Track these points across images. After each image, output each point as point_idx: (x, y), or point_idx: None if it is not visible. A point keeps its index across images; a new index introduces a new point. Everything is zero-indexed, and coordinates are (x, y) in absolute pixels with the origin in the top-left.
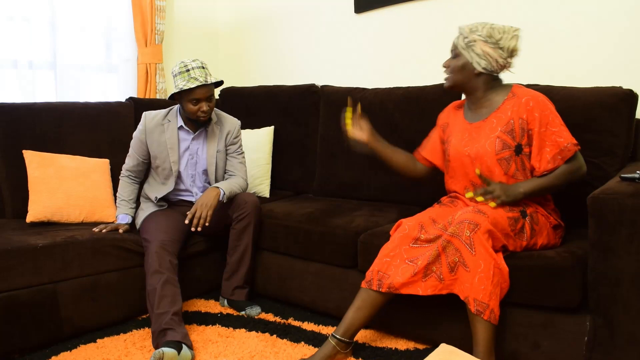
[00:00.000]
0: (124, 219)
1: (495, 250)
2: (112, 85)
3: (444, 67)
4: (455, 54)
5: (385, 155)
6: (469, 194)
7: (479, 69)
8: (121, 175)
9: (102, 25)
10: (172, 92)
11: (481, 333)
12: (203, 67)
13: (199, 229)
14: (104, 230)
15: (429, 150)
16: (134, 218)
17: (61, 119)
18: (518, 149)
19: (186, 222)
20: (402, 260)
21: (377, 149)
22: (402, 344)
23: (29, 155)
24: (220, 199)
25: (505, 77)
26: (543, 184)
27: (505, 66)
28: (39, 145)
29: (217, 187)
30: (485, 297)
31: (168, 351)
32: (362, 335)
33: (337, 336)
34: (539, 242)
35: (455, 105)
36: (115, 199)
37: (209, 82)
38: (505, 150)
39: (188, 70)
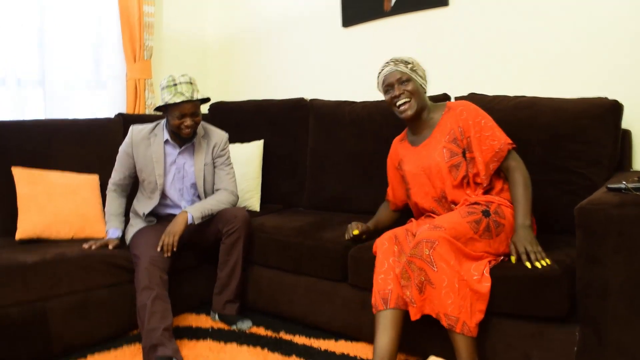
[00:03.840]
0: (114, 233)
1: (475, 260)
2: (101, 102)
3: (397, 97)
4: (406, 79)
5: (377, 229)
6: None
7: (425, 89)
8: (108, 189)
9: (91, 41)
10: (158, 105)
11: (459, 346)
12: (191, 83)
13: (168, 254)
14: (93, 247)
15: (396, 195)
16: (124, 233)
17: (50, 135)
18: (464, 154)
19: (158, 249)
20: (394, 273)
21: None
22: None
23: (18, 172)
24: (190, 222)
25: (491, 89)
26: (526, 202)
27: None
28: (28, 162)
29: (186, 212)
30: (454, 310)
31: None
32: (353, 348)
33: None
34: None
35: (399, 140)
36: (105, 215)
37: (194, 98)
38: (454, 157)
39: (175, 85)
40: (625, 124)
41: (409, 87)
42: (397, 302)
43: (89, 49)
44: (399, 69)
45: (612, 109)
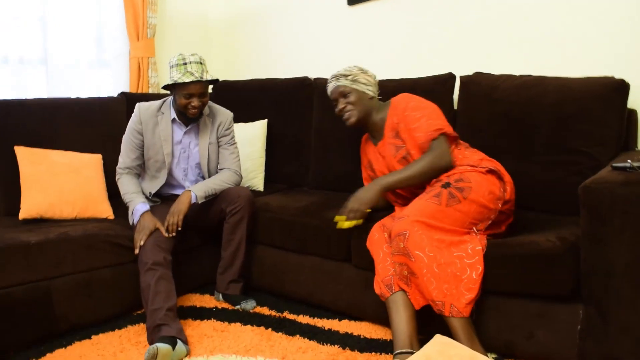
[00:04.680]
0: (143, 207)
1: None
2: (105, 80)
3: (342, 109)
4: (345, 93)
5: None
6: (338, 220)
7: (370, 94)
8: (118, 174)
9: (93, 19)
10: (166, 83)
11: (454, 328)
12: (201, 63)
13: (173, 234)
14: (142, 241)
15: None
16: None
17: (53, 114)
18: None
19: (163, 231)
20: (391, 258)
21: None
22: None
23: (20, 152)
24: (194, 201)
25: (497, 68)
26: (403, 175)
27: (377, 91)
28: (31, 141)
29: (189, 191)
30: (438, 295)
31: (162, 347)
32: (357, 328)
33: (397, 351)
34: (489, 190)
35: (365, 140)
36: (123, 197)
37: (204, 79)
38: (400, 149)
39: (185, 64)
40: (631, 103)
41: (351, 98)
42: (400, 284)
43: (92, 27)
44: (339, 83)
45: (618, 89)
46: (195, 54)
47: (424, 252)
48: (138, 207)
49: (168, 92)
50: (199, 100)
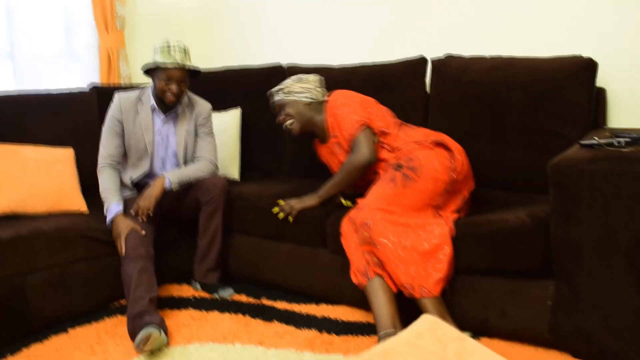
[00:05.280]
0: (117, 207)
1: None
2: (74, 73)
3: (282, 121)
4: (281, 106)
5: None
6: (275, 210)
7: (307, 100)
8: (100, 167)
9: (61, 11)
10: (147, 65)
11: (426, 309)
12: (184, 51)
13: (144, 218)
14: (123, 248)
15: None
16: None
17: (22, 108)
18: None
19: (132, 213)
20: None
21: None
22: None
23: None
24: (167, 187)
25: (468, 49)
26: (334, 181)
27: (323, 92)
28: (0, 137)
29: (163, 177)
30: (406, 278)
31: (154, 331)
32: (334, 311)
33: (381, 333)
34: (439, 162)
35: (317, 142)
36: (100, 192)
37: (185, 66)
38: (342, 147)
39: (169, 47)
40: (600, 81)
41: (288, 110)
42: (375, 269)
43: (60, 19)
44: (276, 98)
45: (587, 67)
46: (181, 41)
47: (387, 238)
48: (112, 207)
49: (139, 83)
50: (177, 87)
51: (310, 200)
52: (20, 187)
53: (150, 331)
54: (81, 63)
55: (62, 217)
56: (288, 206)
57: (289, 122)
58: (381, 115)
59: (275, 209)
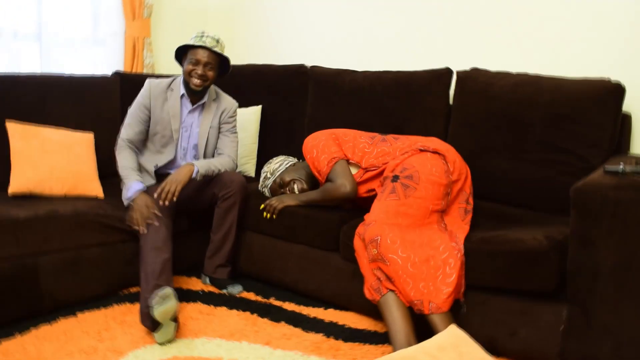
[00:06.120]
0: (137, 186)
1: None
2: (99, 59)
3: (292, 190)
4: (282, 182)
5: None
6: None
7: (291, 164)
8: (119, 146)
9: None
10: (180, 46)
11: (436, 325)
12: (217, 41)
13: (167, 203)
14: (144, 227)
15: None
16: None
17: (46, 91)
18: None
19: (155, 196)
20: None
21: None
22: (381, 327)
23: (12, 126)
24: (194, 176)
25: (494, 64)
26: (311, 196)
27: (292, 158)
28: (23, 117)
29: (192, 164)
30: (416, 294)
31: (174, 293)
32: (342, 317)
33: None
34: (434, 165)
35: None
36: (119, 170)
37: (216, 50)
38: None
39: (202, 35)
40: (625, 107)
41: (286, 178)
42: (387, 285)
43: (88, 5)
44: (270, 182)
45: (614, 92)
46: (217, 34)
47: (397, 254)
48: (134, 184)
49: (162, 73)
50: (204, 70)
51: (290, 201)
52: (39, 168)
53: (171, 292)
54: (106, 49)
55: (78, 200)
56: (269, 206)
57: (295, 186)
58: (354, 142)
59: (262, 206)
